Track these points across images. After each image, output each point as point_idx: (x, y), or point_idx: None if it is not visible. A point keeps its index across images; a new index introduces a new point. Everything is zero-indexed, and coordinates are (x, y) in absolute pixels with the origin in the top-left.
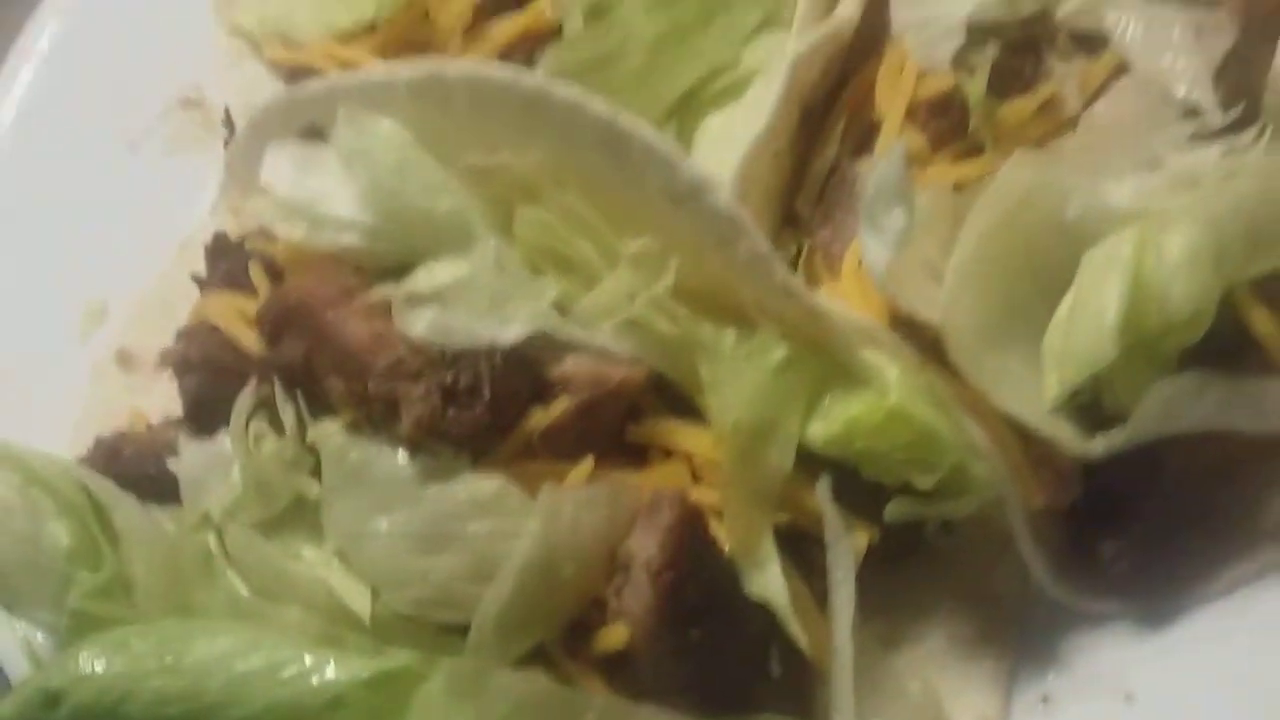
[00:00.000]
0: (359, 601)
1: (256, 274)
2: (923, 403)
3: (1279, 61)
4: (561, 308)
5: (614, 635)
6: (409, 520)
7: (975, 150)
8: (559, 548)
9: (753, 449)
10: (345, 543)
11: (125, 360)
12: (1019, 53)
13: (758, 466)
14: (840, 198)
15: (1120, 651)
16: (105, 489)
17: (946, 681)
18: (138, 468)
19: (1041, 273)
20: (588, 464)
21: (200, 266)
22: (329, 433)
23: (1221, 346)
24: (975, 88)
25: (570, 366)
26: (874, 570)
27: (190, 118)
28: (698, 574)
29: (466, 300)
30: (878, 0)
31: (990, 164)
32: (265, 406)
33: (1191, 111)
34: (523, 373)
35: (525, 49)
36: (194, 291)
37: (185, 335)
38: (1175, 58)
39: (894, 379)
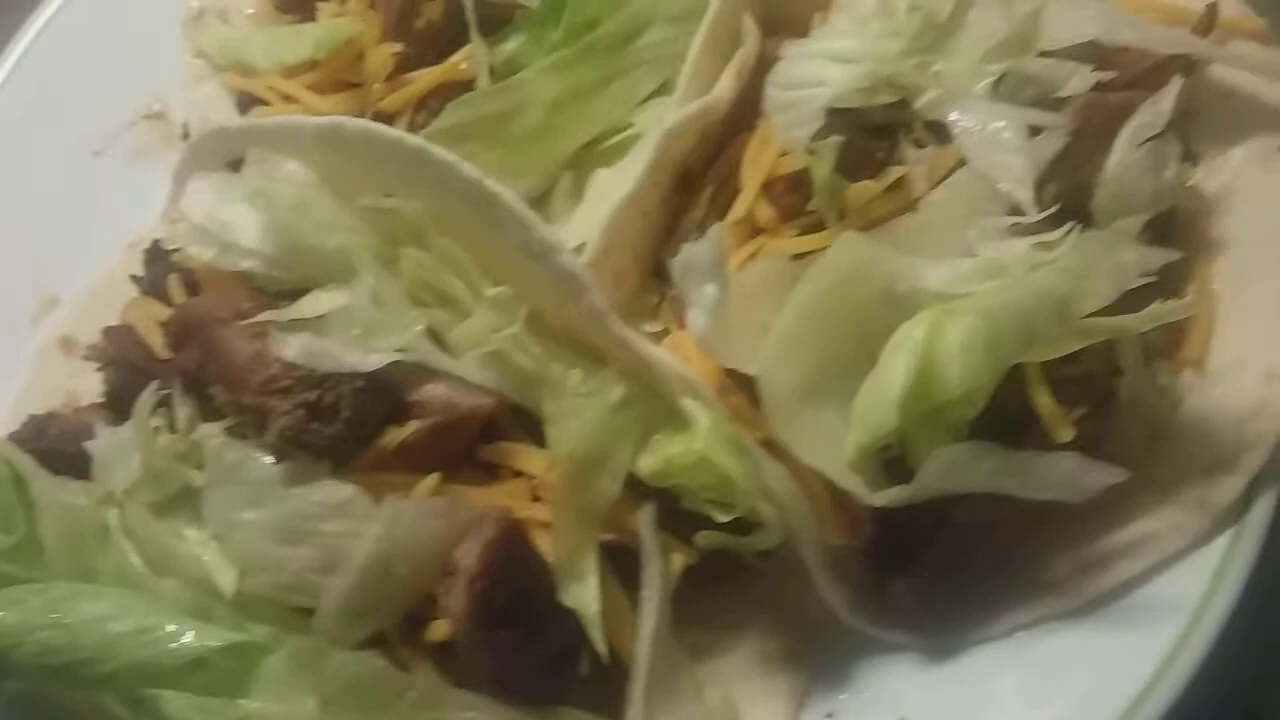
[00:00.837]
0: (225, 580)
1: (174, 285)
2: (725, 451)
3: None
4: (436, 337)
5: (440, 629)
6: (272, 515)
7: (820, 225)
8: (396, 550)
9: (583, 476)
10: (219, 529)
11: (67, 346)
12: (876, 137)
13: (587, 491)
14: None
15: (903, 679)
16: (26, 462)
17: (745, 692)
18: (60, 445)
19: (860, 341)
20: (434, 479)
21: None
22: (211, 433)
23: (1011, 418)
24: (820, 169)
25: (428, 392)
26: (693, 585)
27: (153, 129)
28: (510, 583)
29: (339, 328)
30: (754, 80)
31: (830, 238)
32: (165, 404)
33: (1014, 207)
34: (382, 395)
35: (441, 97)
36: (134, 289)
37: (108, 333)
38: (1005, 155)
39: (704, 428)
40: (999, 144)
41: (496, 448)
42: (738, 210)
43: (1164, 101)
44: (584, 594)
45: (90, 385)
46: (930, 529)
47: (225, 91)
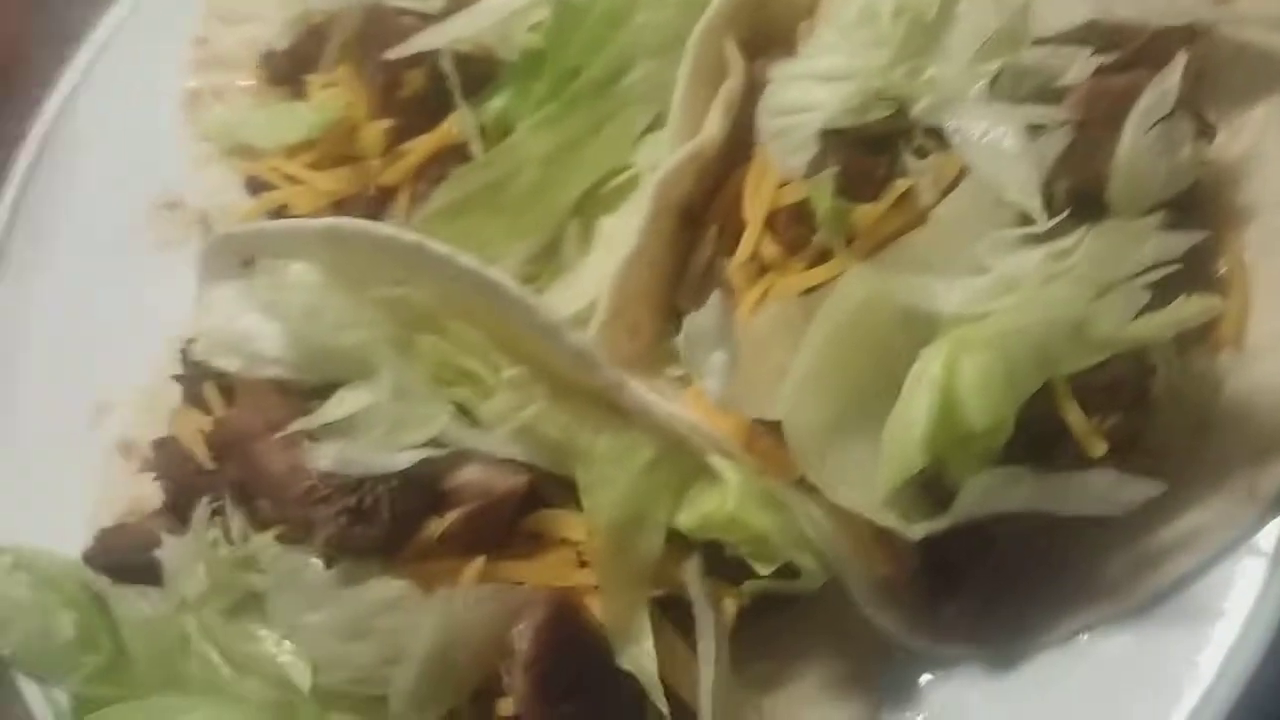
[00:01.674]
0: (301, 678)
1: (211, 394)
2: (756, 508)
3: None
4: (464, 413)
5: (508, 706)
6: (333, 616)
7: (828, 254)
8: (453, 638)
9: (624, 541)
10: (286, 631)
11: (127, 450)
12: (875, 153)
13: (629, 555)
14: None
15: (970, 691)
16: (103, 581)
17: None
18: (131, 556)
19: (881, 371)
20: (479, 564)
21: None
22: (265, 542)
23: (1042, 436)
24: (822, 199)
25: (463, 478)
26: (753, 616)
27: (172, 217)
28: (567, 659)
29: (367, 428)
30: (746, 107)
31: (839, 267)
32: (220, 513)
33: (1023, 214)
34: (418, 490)
35: (438, 164)
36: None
37: (158, 446)
38: (1009, 164)
39: (733, 486)
40: (1001, 152)
41: (537, 517)
42: (743, 251)
43: (1170, 79)
44: (640, 656)
45: (155, 489)
46: (975, 549)
47: (233, 173)
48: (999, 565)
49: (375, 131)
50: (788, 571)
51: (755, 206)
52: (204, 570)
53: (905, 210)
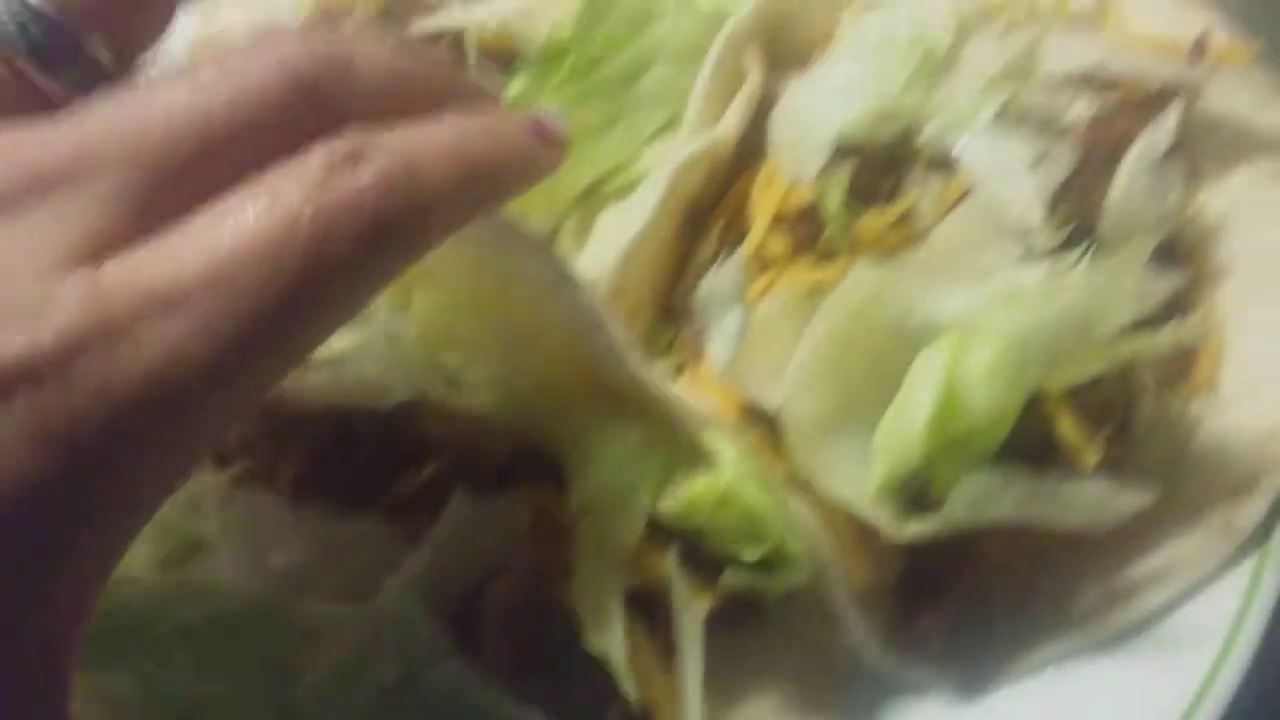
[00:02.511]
0: None
1: None
2: (752, 486)
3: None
4: (451, 380)
5: None
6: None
7: (832, 256)
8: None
9: (604, 522)
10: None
11: None
12: (880, 171)
13: (609, 538)
14: None
15: (934, 717)
16: None
17: None
18: None
19: (880, 372)
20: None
21: None
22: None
23: (1036, 446)
24: (831, 200)
25: (443, 433)
26: (718, 630)
27: None
28: (534, 630)
29: (355, 367)
30: (759, 118)
31: (843, 269)
32: None
33: (1024, 232)
34: (397, 436)
35: None
36: None
37: None
38: (1013, 181)
39: (729, 462)
40: (1006, 170)
41: (515, 488)
42: (750, 244)
43: (1165, 126)
44: (611, 641)
45: None
46: (957, 564)
47: None
48: (979, 583)
49: None
50: (769, 565)
51: (763, 205)
52: None
53: (910, 224)
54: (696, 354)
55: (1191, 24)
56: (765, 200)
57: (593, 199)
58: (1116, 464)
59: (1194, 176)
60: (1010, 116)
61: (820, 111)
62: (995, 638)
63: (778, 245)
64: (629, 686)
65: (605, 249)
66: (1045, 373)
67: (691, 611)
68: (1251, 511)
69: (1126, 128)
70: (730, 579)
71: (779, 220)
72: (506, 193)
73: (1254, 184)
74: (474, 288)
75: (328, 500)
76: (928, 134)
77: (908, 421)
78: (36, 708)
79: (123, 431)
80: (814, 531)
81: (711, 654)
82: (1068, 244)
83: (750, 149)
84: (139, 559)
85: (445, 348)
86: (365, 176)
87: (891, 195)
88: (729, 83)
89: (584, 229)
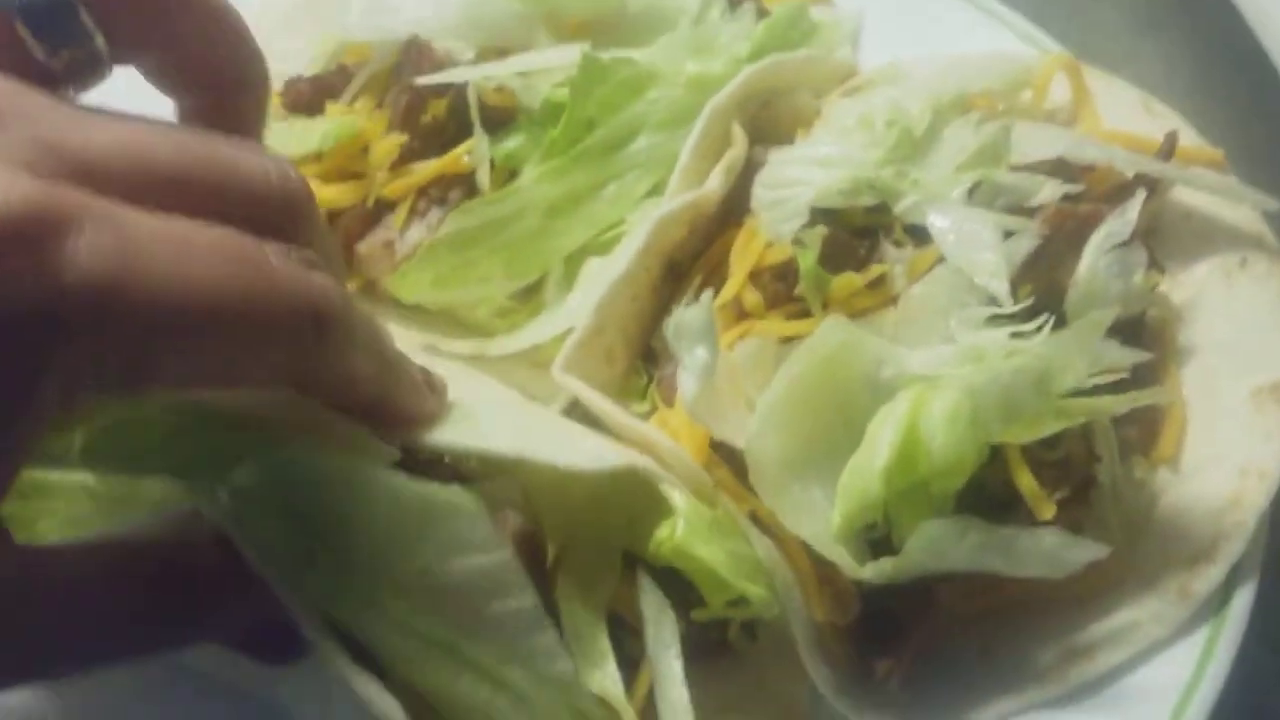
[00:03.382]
0: None
1: None
2: (702, 540)
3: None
4: None
5: None
6: None
7: (806, 313)
8: None
9: (582, 566)
10: None
11: None
12: (857, 236)
13: (588, 580)
14: None
15: None
16: None
17: None
18: None
19: (846, 419)
20: None
21: None
22: None
23: (994, 502)
24: (806, 259)
25: None
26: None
27: None
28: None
29: None
30: (743, 183)
31: (815, 324)
32: None
33: (991, 299)
34: None
35: (441, 186)
36: None
37: None
38: (981, 251)
39: (684, 516)
40: (975, 241)
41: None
42: (726, 294)
43: (1130, 211)
44: (606, 680)
45: None
46: (915, 610)
47: None
48: (936, 629)
49: (389, 144)
50: (734, 601)
51: (741, 260)
52: None
53: (881, 290)
54: (670, 395)
55: (1161, 128)
56: (744, 256)
57: (582, 253)
58: (1077, 526)
59: (1162, 265)
60: (982, 194)
61: (800, 178)
62: (955, 689)
63: (753, 298)
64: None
65: (588, 294)
66: (1002, 426)
67: (672, 624)
68: (1209, 578)
69: (1093, 211)
70: (699, 614)
71: (756, 275)
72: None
73: (1218, 275)
74: None
75: None
76: (903, 206)
77: (869, 463)
78: None
79: None
80: (775, 568)
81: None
82: (1033, 314)
83: (733, 211)
84: None
85: None
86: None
87: (866, 261)
88: (714, 148)
89: (569, 278)
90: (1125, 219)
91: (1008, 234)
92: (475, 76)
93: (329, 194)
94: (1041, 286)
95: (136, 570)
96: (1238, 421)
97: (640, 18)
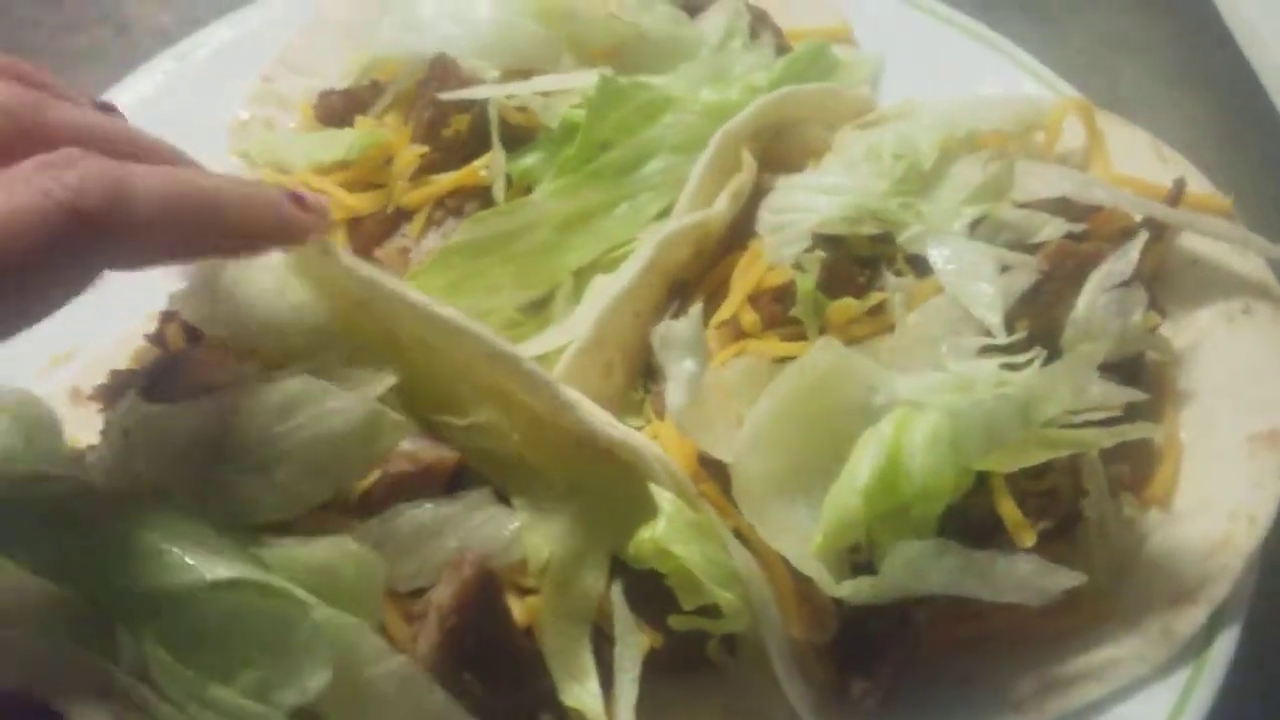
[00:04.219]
0: None
1: (174, 333)
2: (683, 540)
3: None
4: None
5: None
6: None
7: (802, 335)
8: None
9: (566, 578)
10: None
11: (75, 396)
12: (860, 264)
13: (572, 591)
14: None
15: None
16: None
17: None
18: None
19: (832, 445)
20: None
21: None
22: None
23: (980, 527)
24: (805, 282)
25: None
26: (657, 679)
27: None
28: (481, 628)
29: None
30: (748, 205)
31: (809, 346)
32: None
33: (987, 331)
34: None
35: (459, 198)
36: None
37: (114, 374)
38: (978, 284)
39: (666, 514)
40: (973, 273)
41: None
42: (723, 313)
43: (1131, 251)
44: (584, 695)
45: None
46: (893, 630)
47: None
48: (913, 650)
49: (411, 155)
50: (711, 610)
51: (741, 282)
52: None
53: (880, 318)
54: (663, 409)
55: (1171, 173)
56: (744, 277)
57: (590, 270)
58: (1061, 560)
59: (1164, 308)
60: (985, 229)
61: (805, 204)
62: (931, 713)
63: (750, 318)
64: None
65: (590, 308)
66: (985, 452)
67: (636, 639)
68: (1191, 619)
69: (1095, 249)
70: (678, 620)
71: (756, 297)
72: (241, 232)
73: (1221, 321)
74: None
75: None
76: (905, 237)
77: (852, 482)
78: None
79: None
80: (754, 581)
81: (651, 704)
82: (1027, 348)
83: (740, 235)
84: None
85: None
86: (70, 175)
87: (866, 288)
88: (723, 172)
89: (578, 292)
90: (1126, 259)
91: (1007, 268)
92: (498, 94)
93: (353, 201)
94: (1039, 322)
95: None
96: (1232, 466)
97: (663, 46)
